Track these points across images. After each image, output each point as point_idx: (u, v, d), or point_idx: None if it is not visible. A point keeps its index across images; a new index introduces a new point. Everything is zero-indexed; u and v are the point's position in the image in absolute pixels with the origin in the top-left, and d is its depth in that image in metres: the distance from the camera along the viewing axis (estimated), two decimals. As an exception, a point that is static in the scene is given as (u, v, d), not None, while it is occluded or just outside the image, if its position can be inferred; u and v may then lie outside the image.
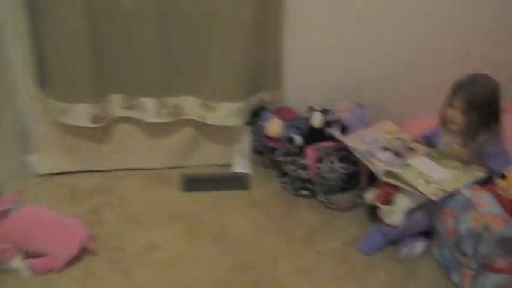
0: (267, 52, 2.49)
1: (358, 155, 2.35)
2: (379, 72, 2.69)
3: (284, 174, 2.57)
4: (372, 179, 2.44)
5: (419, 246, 2.23)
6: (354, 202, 2.47)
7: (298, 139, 2.49)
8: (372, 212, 2.35)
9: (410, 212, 2.17)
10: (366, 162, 2.30)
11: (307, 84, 2.67)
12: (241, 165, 2.69)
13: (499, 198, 1.98)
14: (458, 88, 2.17)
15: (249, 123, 2.61)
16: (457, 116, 2.17)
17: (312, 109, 2.54)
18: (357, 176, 2.52)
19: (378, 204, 2.23)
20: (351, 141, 2.39)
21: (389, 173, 2.18)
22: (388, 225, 2.20)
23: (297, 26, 2.51)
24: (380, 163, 2.25)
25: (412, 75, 2.72)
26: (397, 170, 2.16)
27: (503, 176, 1.99)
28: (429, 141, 2.40)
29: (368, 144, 2.36)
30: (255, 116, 2.60)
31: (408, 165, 2.20)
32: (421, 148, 2.33)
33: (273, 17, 2.43)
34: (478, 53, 2.70)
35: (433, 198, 2.03)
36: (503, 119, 2.17)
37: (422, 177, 2.12)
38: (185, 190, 2.54)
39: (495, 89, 2.13)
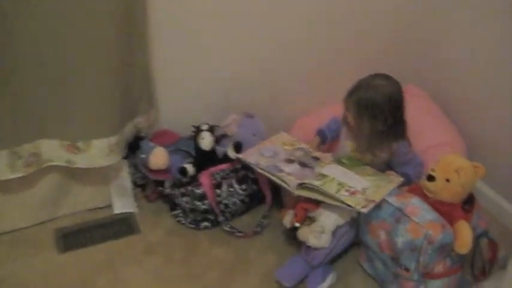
0: (134, 72, 2.12)
1: (262, 172, 2.07)
2: (264, 76, 2.42)
3: (176, 205, 2.23)
4: (276, 194, 2.23)
5: (329, 280, 1.96)
6: (262, 224, 2.20)
7: (190, 169, 2.15)
8: (292, 235, 2.06)
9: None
10: (274, 178, 2.03)
11: (185, 100, 2.34)
12: (122, 204, 2.28)
13: (427, 200, 1.84)
14: (354, 90, 1.98)
15: (126, 157, 2.23)
16: (351, 120, 1.99)
17: (197, 129, 2.22)
18: (257, 194, 2.26)
19: (297, 224, 1.94)
20: (250, 157, 2.12)
21: (304, 187, 1.93)
22: (311, 248, 1.92)
23: (165, 39, 2.17)
24: (290, 176, 2.00)
25: (299, 75, 2.48)
26: (315, 182, 1.92)
27: (430, 178, 1.82)
28: (328, 136, 2.22)
29: (269, 158, 2.11)
30: (133, 147, 2.22)
31: (324, 175, 1.98)
32: (326, 156, 2.11)
33: (136, 32, 2.06)
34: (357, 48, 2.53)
35: (363, 210, 1.81)
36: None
37: (343, 188, 1.90)
38: (64, 250, 2.08)
39: (391, 93, 1.94)
